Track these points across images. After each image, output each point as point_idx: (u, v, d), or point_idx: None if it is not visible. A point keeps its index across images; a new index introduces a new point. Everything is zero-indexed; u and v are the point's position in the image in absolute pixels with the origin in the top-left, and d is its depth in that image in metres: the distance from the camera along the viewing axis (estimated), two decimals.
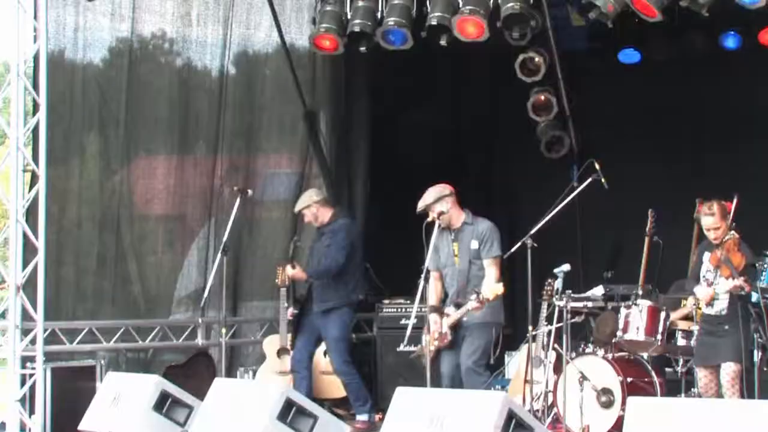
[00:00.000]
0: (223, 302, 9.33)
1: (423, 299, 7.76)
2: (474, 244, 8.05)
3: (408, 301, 9.75)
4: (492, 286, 7.88)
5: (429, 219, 7.96)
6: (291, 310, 9.46)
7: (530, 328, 8.30)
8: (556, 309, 8.35)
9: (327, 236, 9.34)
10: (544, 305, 8.68)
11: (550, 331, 8.52)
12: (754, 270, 7.72)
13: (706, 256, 7.74)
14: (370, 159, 11.06)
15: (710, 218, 7.71)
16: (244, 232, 10.59)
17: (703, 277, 7.75)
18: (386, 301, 10.32)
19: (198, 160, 10.46)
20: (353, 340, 9.94)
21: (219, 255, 9.25)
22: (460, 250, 8.08)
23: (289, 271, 9.31)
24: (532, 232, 8.09)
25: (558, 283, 8.31)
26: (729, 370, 7.55)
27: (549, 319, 8.58)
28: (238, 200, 9.47)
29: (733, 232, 7.71)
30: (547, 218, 8.28)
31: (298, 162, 11.00)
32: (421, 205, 8.17)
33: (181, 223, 10.46)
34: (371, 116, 11.08)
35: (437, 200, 8.12)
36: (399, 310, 10.07)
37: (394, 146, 11.32)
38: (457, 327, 8.05)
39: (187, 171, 10.38)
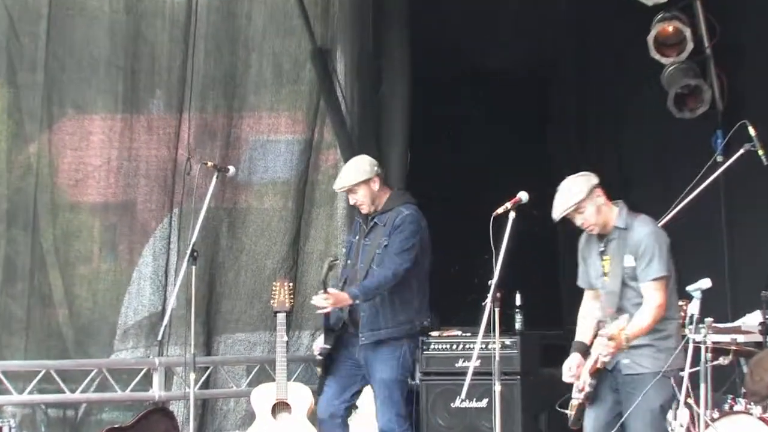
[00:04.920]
0: (192, 334, 9.08)
1: (490, 330, 7.67)
2: (628, 260, 7.88)
3: (467, 334, 9.71)
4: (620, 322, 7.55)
5: (500, 210, 7.82)
6: (320, 345, 9.02)
7: None
8: (691, 345, 8.06)
9: (382, 228, 9.02)
10: None
11: (681, 378, 8.27)
12: None
13: None
14: (411, 119, 10.91)
15: None
16: (223, 230, 10.64)
17: None
18: (434, 334, 10.14)
19: (153, 121, 10.48)
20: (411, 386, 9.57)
21: (185, 263, 9.09)
22: (611, 266, 7.95)
23: (320, 300, 8.80)
24: None
25: (693, 308, 7.95)
26: None
27: None
28: (213, 181, 9.35)
29: None
30: (678, 208, 8.49)
31: (302, 124, 10.99)
32: (560, 210, 7.85)
33: (129, 215, 10.50)
34: (411, 58, 10.91)
35: (587, 198, 7.85)
36: (452, 347, 10.01)
37: (446, 102, 11.08)
38: (601, 374, 7.83)
39: (138, 138, 10.37)
